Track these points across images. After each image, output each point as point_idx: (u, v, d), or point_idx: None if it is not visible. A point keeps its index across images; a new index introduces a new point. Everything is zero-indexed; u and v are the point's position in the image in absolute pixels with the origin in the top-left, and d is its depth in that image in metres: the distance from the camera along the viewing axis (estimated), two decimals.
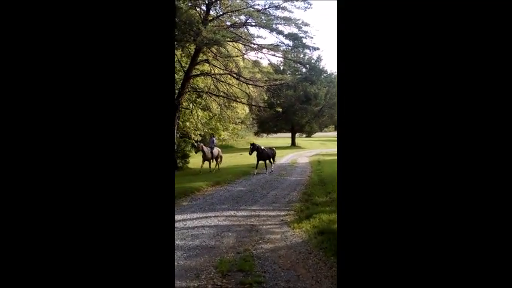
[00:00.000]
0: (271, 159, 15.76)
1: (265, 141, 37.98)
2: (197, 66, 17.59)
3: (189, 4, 15.71)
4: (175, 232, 5.88)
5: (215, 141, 17.25)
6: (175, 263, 4.41)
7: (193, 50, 16.71)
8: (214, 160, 16.00)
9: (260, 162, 15.33)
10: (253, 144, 15.29)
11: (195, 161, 17.19)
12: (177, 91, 17.79)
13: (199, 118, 21.97)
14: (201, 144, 15.81)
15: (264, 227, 6.30)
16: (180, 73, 18.27)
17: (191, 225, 6.38)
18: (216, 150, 15.99)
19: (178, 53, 18.75)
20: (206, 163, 15.55)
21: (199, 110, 21.70)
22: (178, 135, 17.29)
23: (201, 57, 17.12)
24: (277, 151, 17.13)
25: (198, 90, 19.11)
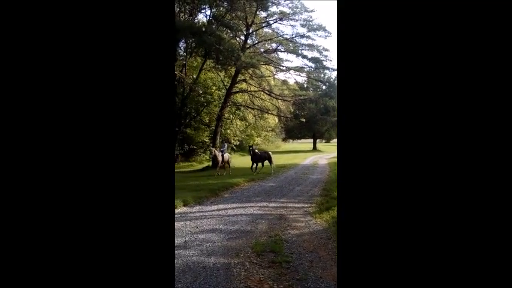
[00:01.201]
0: (270, 162, 13.95)
1: (290, 145, 37.71)
2: (237, 85, 18.05)
3: (231, 35, 15.98)
4: (219, 218, 5.94)
5: (226, 146, 15.34)
6: (219, 244, 4.46)
7: (234, 71, 17.23)
8: (227, 164, 14.02)
9: (259, 164, 14.02)
10: (250, 147, 14.57)
11: (234, 161, 17.28)
12: (220, 105, 18.13)
13: (238, 126, 22.47)
14: (213, 149, 14.28)
15: (291, 216, 6.25)
16: (223, 90, 18.70)
17: (231, 213, 6.42)
18: (226, 155, 14.07)
19: (221, 74, 19.14)
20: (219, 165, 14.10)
21: (238, 120, 22.05)
22: (220, 140, 17.42)
23: (240, 77, 17.63)
24: (300, 154, 16.82)
25: (237, 104, 19.55)
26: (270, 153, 14.68)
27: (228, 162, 14.07)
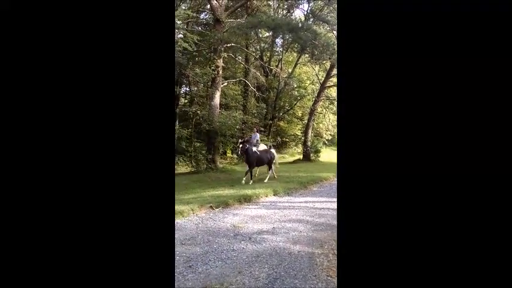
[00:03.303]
0: (269, 165, 9.76)
1: None
2: (331, 79, 17.73)
3: (327, 29, 15.78)
4: (307, 210, 6.11)
5: (258, 137, 10.56)
6: (305, 234, 4.64)
7: (329, 66, 16.96)
8: (268, 166, 9.88)
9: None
10: (242, 141, 9.40)
11: (325, 155, 17.16)
12: (313, 99, 18.11)
13: (330, 121, 22.10)
14: (246, 145, 9.26)
15: None
16: (317, 84, 18.59)
17: (319, 206, 6.52)
18: (262, 146, 10.29)
19: (316, 68, 19.05)
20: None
21: (331, 114, 21.70)
22: (312, 134, 17.42)
23: (335, 71, 17.20)
24: None
25: (330, 98, 19.22)
26: (274, 151, 10.34)
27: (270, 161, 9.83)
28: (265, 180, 9.41)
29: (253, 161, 9.23)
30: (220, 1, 13.35)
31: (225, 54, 14.85)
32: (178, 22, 11.22)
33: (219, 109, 13.97)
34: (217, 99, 13.70)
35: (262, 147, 10.34)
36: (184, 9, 14.11)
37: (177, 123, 15.42)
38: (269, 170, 9.90)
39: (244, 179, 9.10)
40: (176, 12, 10.97)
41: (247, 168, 9.32)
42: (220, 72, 13.97)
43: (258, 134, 10.72)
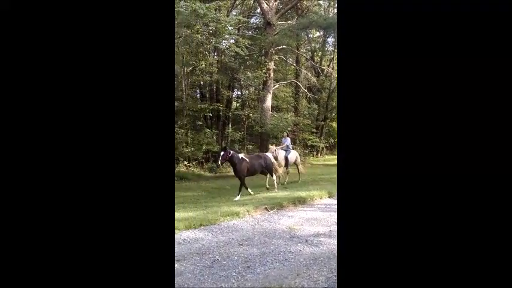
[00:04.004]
0: (270, 172, 8.19)
1: None
2: None
3: None
4: None
5: (289, 141, 9.87)
6: None
7: None
8: (296, 168, 9.86)
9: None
10: (224, 148, 7.76)
11: None
12: None
13: None
14: (273, 147, 9.03)
15: None
16: None
17: None
18: (293, 154, 9.68)
19: None
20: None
21: None
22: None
23: None
24: None
25: None
26: (295, 152, 9.65)
27: (296, 164, 9.85)
28: (270, 188, 8.18)
29: (243, 169, 7.45)
30: (270, 4, 13.46)
31: (276, 57, 14.94)
32: (230, 28, 11.50)
33: (271, 111, 14.07)
34: (268, 102, 13.81)
35: (294, 153, 9.75)
36: (235, 15, 14.44)
37: (229, 126, 15.80)
38: (272, 175, 8.21)
39: (238, 197, 7.13)
40: (227, 19, 11.27)
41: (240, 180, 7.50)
42: (272, 75, 14.07)
43: (288, 139, 9.90)
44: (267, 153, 8.62)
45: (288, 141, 9.77)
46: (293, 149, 10.05)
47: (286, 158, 9.28)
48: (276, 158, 8.53)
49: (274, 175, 8.18)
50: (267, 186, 8.39)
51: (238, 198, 7.08)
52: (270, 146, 9.14)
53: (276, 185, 8.18)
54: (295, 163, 9.81)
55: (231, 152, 7.47)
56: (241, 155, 7.66)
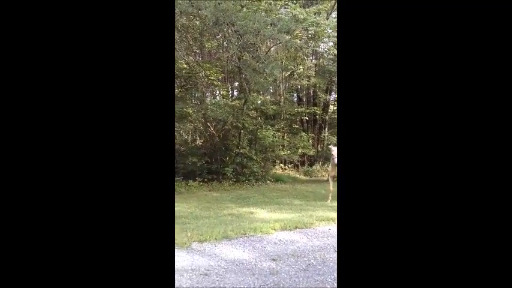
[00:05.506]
0: None
1: None
2: None
3: None
4: None
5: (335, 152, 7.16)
6: None
7: None
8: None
9: None
10: None
11: None
12: None
13: None
14: (333, 147, 7.67)
15: None
16: None
17: None
18: None
19: None
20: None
21: None
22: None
23: None
24: None
25: None
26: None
27: None
28: None
29: None
30: None
31: None
32: (329, 30, 11.34)
33: None
34: None
35: None
36: (334, 17, 14.18)
37: (326, 130, 15.57)
38: None
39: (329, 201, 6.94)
40: (327, 22, 11.14)
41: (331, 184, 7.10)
42: None
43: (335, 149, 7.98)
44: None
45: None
46: None
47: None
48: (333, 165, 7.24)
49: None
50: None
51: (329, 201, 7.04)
52: (331, 147, 7.77)
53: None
54: None
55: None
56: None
